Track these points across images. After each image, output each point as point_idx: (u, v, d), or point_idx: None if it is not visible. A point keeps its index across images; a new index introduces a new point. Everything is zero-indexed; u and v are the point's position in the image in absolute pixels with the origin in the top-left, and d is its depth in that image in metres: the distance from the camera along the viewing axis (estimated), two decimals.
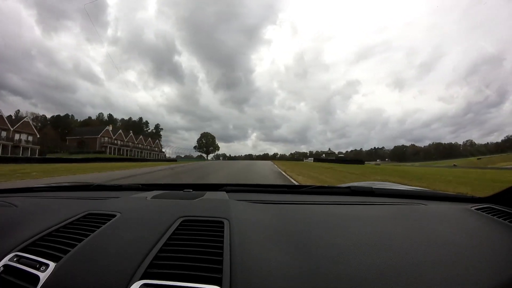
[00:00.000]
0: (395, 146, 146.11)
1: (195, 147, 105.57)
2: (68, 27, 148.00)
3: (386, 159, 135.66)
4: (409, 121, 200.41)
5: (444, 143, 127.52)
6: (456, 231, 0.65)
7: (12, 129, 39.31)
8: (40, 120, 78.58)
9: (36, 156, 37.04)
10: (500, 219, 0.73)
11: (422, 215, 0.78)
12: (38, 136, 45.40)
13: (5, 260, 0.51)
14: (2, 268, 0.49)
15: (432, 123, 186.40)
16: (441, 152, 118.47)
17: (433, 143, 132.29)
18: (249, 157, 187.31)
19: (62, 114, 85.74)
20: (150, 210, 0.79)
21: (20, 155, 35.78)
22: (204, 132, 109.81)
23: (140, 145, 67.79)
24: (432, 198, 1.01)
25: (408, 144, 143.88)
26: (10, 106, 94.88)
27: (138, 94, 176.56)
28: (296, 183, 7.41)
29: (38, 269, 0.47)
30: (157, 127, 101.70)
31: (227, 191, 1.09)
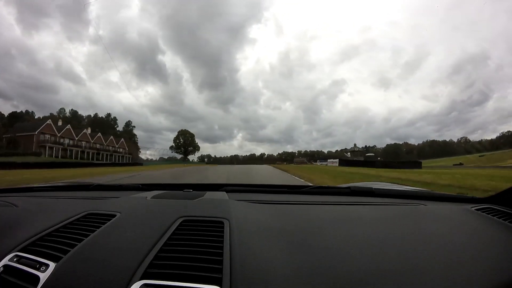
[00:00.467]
0: (387, 145, 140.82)
1: (171, 148, 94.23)
2: (49, 25, 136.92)
3: (379, 158, 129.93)
4: (394, 120, 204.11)
5: (439, 141, 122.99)
6: (456, 231, 0.65)
7: None
8: None
9: None
10: (501, 219, 0.73)
11: (422, 216, 0.78)
12: None
13: (5, 260, 0.51)
14: (2, 268, 0.49)
15: (417, 121, 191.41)
16: (435, 150, 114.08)
17: (427, 141, 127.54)
18: (235, 158, 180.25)
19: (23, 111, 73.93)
20: (150, 210, 0.80)
21: None
22: (181, 130, 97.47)
23: (98, 145, 56.85)
24: (432, 199, 1.01)
25: (400, 142, 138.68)
26: None
27: (121, 95, 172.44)
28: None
29: (38, 269, 0.47)
30: (128, 125, 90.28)
31: (227, 191, 1.10)
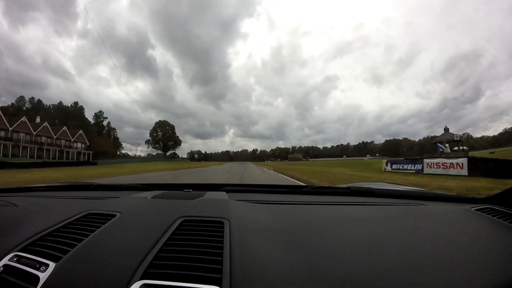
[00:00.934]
0: (386, 140, 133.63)
1: (147, 142, 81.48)
2: (36, 19, 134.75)
3: (377, 154, 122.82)
4: (386, 117, 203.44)
5: (440, 136, 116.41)
6: (455, 231, 0.65)
7: None
8: None
9: None
10: (500, 219, 0.73)
11: (422, 216, 0.78)
12: None
13: (5, 260, 0.51)
14: (2, 268, 0.49)
15: (409, 118, 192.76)
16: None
17: (428, 137, 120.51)
18: (227, 154, 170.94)
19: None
20: (150, 210, 0.80)
21: None
22: (159, 121, 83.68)
23: (43, 138, 44.81)
24: (432, 199, 1.01)
25: (400, 138, 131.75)
26: None
27: (111, 90, 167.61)
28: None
29: (38, 269, 0.47)
30: (98, 116, 77.08)
31: (227, 191, 1.10)
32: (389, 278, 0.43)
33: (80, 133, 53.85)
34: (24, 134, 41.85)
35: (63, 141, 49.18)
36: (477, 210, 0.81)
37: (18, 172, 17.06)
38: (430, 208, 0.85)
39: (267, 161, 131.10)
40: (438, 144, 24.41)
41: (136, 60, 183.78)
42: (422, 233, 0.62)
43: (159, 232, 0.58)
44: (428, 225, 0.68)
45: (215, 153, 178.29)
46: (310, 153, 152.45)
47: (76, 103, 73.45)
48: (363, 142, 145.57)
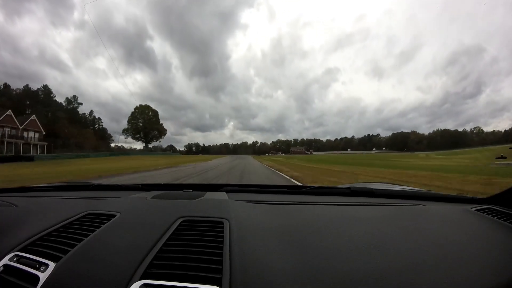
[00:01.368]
0: (393, 133, 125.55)
1: (124, 131, 68.58)
2: (32, 11, 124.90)
3: (384, 148, 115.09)
4: (387, 110, 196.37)
5: (451, 130, 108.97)
6: (456, 232, 0.65)
7: None
8: None
9: None
10: (501, 220, 0.72)
11: (422, 216, 0.78)
12: None
13: (5, 260, 0.51)
14: (2, 268, 0.49)
15: (409, 112, 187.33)
16: (448, 140, 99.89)
17: (438, 130, 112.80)
18: (226, 146, 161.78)
19: None
20: (150, 210, 0.80)
21: None
22: (139, 105, 69.70)
23: None
24: (432, 199, 1.01)
25: (408, 131, 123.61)
26: None
27: (109, 83, 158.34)
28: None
29: (38, 269, 0.47)
30: (70, 101, 64.62)
31: (227, 191, 1.09)
32: (389, 278, 0.43)
33: (33, 119, 42.28)
34: None
35: (6, 130, 37.94)
36: (477, 210, 0.80)
37: None
38: (430, 208, 0.85)
39: (268, 154, 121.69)
40: None
41: (134, 51, 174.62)
42: (422, 233, 0.62)
43: (159, 232, 0.58)
44: (428, 225, 0.68)
45: (213, 146, 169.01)
46: (313, 146, 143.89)
47: (45, 86, 60.91)
48: (368, 135, 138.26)
